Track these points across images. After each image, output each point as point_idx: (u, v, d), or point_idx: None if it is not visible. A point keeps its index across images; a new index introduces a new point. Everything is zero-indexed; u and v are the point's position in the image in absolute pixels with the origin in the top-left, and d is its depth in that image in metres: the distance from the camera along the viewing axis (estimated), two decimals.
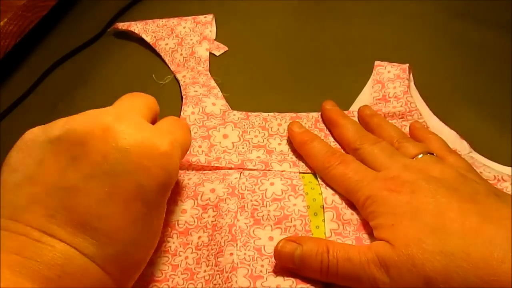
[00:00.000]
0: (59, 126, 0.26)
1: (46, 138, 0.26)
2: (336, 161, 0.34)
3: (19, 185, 0.24)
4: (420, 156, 0.33)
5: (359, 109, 0.40)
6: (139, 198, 0.25)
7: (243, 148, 0.38)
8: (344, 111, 0.40)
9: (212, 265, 0.30)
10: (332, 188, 0.34)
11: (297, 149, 0.37)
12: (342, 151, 0.37)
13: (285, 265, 0.30)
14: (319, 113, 0.40)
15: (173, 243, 0.32)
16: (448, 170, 0.32)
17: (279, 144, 0.38)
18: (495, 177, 0.35)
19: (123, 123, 0.26)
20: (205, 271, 0.30)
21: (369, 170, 0.33)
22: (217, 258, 0.30)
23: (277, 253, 0.29)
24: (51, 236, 0.23)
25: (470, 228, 0.27)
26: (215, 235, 0.32)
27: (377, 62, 0.44)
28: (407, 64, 0.43)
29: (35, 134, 0.26)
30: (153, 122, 0.31)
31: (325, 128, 0.40)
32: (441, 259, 0.26)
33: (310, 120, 0.40)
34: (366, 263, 0.28)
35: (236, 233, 0.31)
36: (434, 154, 0.34)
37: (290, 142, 0.38)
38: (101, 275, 0.24)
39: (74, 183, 0.24)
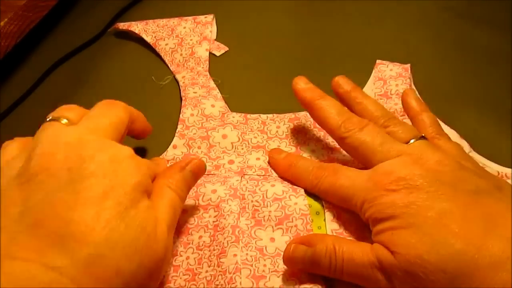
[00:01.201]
0: (20, 161, 0.26)
1: (10, 176, 0.26)
2: (324, 174, 0.33)
3: None
4: (412, 141, 0.31)
5: (333, 82, 0.37)
6: (109, 198, 0.25)
7: (242, 148, 0.38)
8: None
9: (214, 266, 0.30)
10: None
11: (284, 176, 0.35)
12: (327, 164, 0.34)
13: (295, 267, 0.30)
14: None
15: (174, 243, 0.32)
16: (446, 161, 0.29)
17: (278, 146, 0.38)
18: (498, 172, 0.35)
19: (87, 139, 0.27)
20: (206, 271, 0.30)
21: (360, 172, 0.31)
22: (220, 258, 0.30)
23: (289, 258, 0.29)
24: (12, 259, 0.22)
25: (473, 243, 0.25)
26: (217, 236, 0.32)
27: (378, 61, 0.44)
28: (409, 64, 0.43)
29: (2, 170, 0.27)
30: (122, 138, 0.31)
31: None
32: (442, 278, 0.25)
33: (308, 119, 0.40)
34: (368, 265, 0.28)
35: (239, 234, 0.31)
36: (426, 138, 0.32)
37: (289, 144, 0.39)
38: None
39: (39, 200, 0.24)
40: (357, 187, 0.30)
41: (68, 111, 0.29)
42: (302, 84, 0.36)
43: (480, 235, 0.25)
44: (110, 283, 0.23)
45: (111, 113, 0.30)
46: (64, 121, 0.28)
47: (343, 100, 0.37)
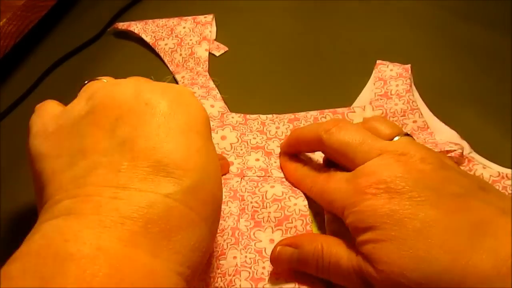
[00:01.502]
0: (83, 104, 0.26)
1: (75, 118, 0.25)
2: (320, 178, 0.32)
3: (70, 164, 0.23)
4: (396, 138, 0.30)
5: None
6: (193, 130, 0.25)
7: (241, 149, 0.38)
8: (346, 108, 0.40)
9: (213, 268, 0.30)
10: None
11: (289, 180, 0.35)
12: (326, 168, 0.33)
13: (282, 268, 0.30)
14: (318, 111, 0.40)
15: None
16: (430, 158, 0.28)
17: (278, 146, 0.38)
18: (499, 173, 0.35)
19: (145, 81, 0.27)
20: (206, 273, 0.30)
21: (347, 174, 0.30)
22: (219, 260, 0.30)
23: (275, 260, 0.29)
24: (125, 189, 0.22)
25: (459, 261, 0.23)
26: (216, 238, 0.32)
27: (379, 61, 0.44)
28: (409, 65, 0.43)
29: (55, 120, 0.26)
30: None
31: None
32: None
33: (308, 120, 0.40)
34: (353, 272, 0.27)
35: (238, 236, 0.31)
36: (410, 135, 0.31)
37: None
38: (186, 212, 0.23)
39: (128, 135, 0.24)
40: (338, 191, 0.29)
41: (104, 77, 0.29)
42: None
43: (467, 248, 0.24)
44: (212, 207, 0.24)
45: (144, 79, 0.30)
46: (105, 80, 0.28)
47: None
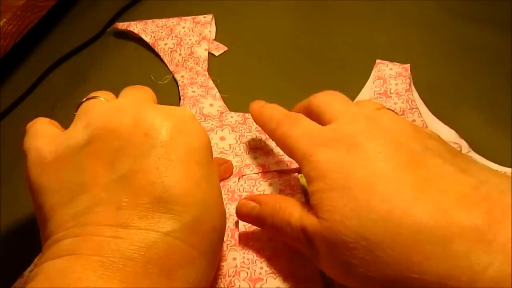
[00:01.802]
0: (81, 132, 0.25)
1: (73, 148, 0.25)
2: (285, 120, 0.31)
3: (70, 199, 0.23)
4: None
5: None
6: (193, 160, 0.25)
7: (240, 149, 0.38)
8: None
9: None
10: None
11: (256, 122, 0.34)
12: (294, 113, 0.32)
13: (245, 220, 0.31)
14: None
15: None
16: (402, 120, 0.27)
17: (277, 146, 0.38)
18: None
19: (144, 106, 0.26)
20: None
21: (315, 124, 0.29)
22: (220, 262, 0.30)
23: (238, 211, 0.30)
24: (126, 228, 0.22)
25: (399, 209, 0.22)
26: None
27: (378, 60, 0.44)
28: (409, 64, 0.43)
29: (52, 146, 0.25)
30: None
31: None
32: (362, 247, 0.23)
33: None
34: (298, 231, 0.27)
35: (238, 237, 0.31)
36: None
37: None
38: (186, 249, 0.23)
39: (128, 168, 0.23)
40: (304, 139, 0.28)
41: (101, 94, 0.29)
42: (255, 104, 0.35)
43: (407, 199, 0.23)
44: (212, 241, 0.24)
45: (142, 90, 0.31)
46: (102, 99, 0.28)
47: None
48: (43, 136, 0.26)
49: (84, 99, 0.28)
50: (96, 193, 0.23)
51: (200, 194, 0.24)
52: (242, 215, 0.30)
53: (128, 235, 0.22)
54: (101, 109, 0.27)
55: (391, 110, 0.30)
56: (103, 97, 0.28)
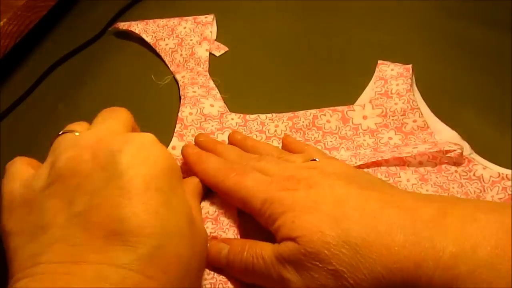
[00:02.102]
0: (46, 173, 0.26)
1: (37, 190, 0.25)
2: (232, 172, 0.32)
3: (31, 240, 0.24)
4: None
5: (229, 136, 0.38)
6: (152, 188, 0.25)
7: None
8: (345, 106, 0.40)
9: (213, 275, 0.30)
10: None
11: (192, 170, 0.34)
12: (238, 164, 0.33)
13: (214, 265, 0.30)
14: (318, 109, 0.40)
15: None
16: (341, 165, 0.31)
17: (277, 146, 0.38)
18: (499, 174, 0.35)
19: (105, 139, 0.27)
20: (205, 279, 0.30)
21: (266, 176, 0.31)
22: (220, 270, 0.30)
23: (207, 253, 0.30)
24: (78, 263, 0.22)
25: (371, 215, 0.26)
26: None
27: (380, 61, 0.44)
28: (410, 65, 0.43)
29: (23, 189, 0.26)
30: None
31: (323, 126, 0.39)
32: (346, 251, 0.25)
33: (307, 118, 0.40)
34: (275, 260, 0.27)
35: None
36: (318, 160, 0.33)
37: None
38: (143, 281, 0.22)
39: (85, 204, 0.24)
40: (260, 188, 0.30)
41: (76, 126, 0.29)
42: (190, 149, 0.35)
43: (375, 208, 0.26)
44: (174, 270, 0.24)
45: (116, 115, 0.30)
46: (76, 134, 0.28)
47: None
48: (17, 178, 0.27)
49: (60, 133, 0.29)
50: (53, 232, 0.24)
51: (159, 223, 0.24)
52: (211, 257, 0.30)
53: (80, 270, 0.22)
54: (65, 146, 0.27)
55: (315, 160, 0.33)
56: (77, 129, 0.29)
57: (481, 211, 0.25)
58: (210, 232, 0.32)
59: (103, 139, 0.27)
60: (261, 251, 0.28)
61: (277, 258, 0.27)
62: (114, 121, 0.29)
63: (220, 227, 0.32)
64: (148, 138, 0.27)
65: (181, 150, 0.36)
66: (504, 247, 0.23)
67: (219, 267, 0.30)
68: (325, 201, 0.27)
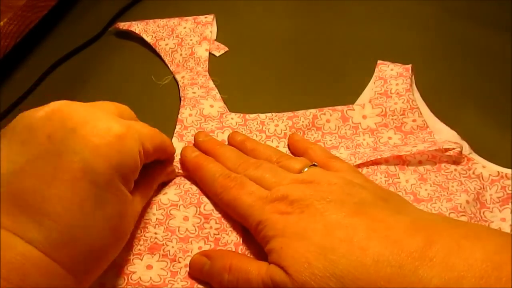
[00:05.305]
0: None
1: (5, 130, 0.26)
2: (230, 184, 0.32)
3: None
4: (305, 170, 0.33)
5: (228, 137, 0.38)
6: (86, 179, 0.24)
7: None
8: (345, 105, 0.40)
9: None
10: None
11: (192, 177, 0.35)
12: (235, 175, 0.33)
13: (197, 277, 0.30)
14: (317, 109, 0.40)
15: (172, 247, 0.31)
16: (334, 179, 0.31)
17: (277, 146, 0.38)
18: (498, 173, 0.35)
19: (73, 105, 0.26)
20: (207, 282, 0.30)
21: (263, 190, 0.31)
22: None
23: (190, 267, 0.31)
24: None
25: (358, 246, 0.26)
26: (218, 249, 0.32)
27: (379, 61, 0.44)
28: (410, 65, 0.43)
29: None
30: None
31: (323, 126, 0.40)
32: (333, 284, 0.25)
33: (307, 118, 0.40)
34: (262, 286, 0.27)
35: (242, 251, 0.31)
36: (317, 165, 0.33)
37: (287, 143, 0.39)
38: (47, 263, 0.23)
39: (20, 165, 0.23)
40: (255, 207, 0.31)
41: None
42: (188, 153, 0.36)
43: (363, 239, 0.26)
44: (84, 259, 0.24)
45: (115, 104, 0.30)
46: None
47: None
48: None
49: None
50: None
51: (77, 215, 0.24)
52: (194, 271, 0.30)
53: None
54: (33, 109, 0.27)
55: (314, 165, 0.33)
56: None
57: (467, 238, 0.25)
58: (214, 234, 0.32)
59: (71, 106, 0.26)
60: (247, 275, 0.28)
61: (265, 283, 0.27)
62: (111, 106, 0.29)
63: (223, 228, 0.32)
64: (114, 128, 0.26)
65: (180, 153, 0.36)
66: (489, 278, 0.23)
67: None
68: (315, 228, 0.28)
